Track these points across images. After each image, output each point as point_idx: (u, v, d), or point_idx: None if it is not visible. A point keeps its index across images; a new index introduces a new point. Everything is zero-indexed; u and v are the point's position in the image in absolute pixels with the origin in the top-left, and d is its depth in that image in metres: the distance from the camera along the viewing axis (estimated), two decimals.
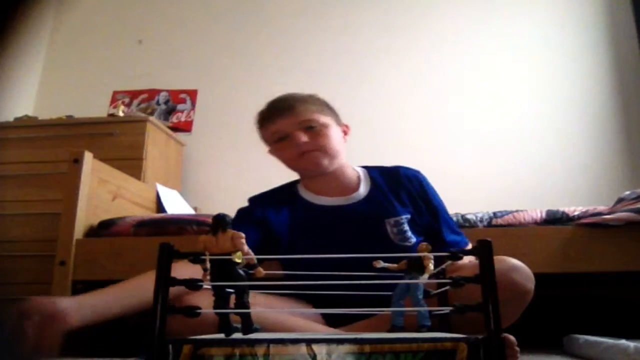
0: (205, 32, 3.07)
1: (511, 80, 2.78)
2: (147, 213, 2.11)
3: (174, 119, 2.93)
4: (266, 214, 1.21)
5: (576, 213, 1.54)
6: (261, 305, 0.96)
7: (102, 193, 1.81)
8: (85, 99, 2.94)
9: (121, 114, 2.58)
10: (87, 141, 2.23)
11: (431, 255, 0.66)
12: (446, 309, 0.64)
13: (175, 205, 2.35)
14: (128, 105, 2.93)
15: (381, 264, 0.68)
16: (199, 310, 0.56)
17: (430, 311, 0.64)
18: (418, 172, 1.28)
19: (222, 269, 0.58)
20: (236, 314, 0.58)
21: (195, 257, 0.58)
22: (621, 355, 1.08)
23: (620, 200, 1.58)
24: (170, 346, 0.52)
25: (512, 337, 0.94)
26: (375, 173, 1.27)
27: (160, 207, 2.26)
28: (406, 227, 1.16)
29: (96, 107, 2.85)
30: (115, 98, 2.98)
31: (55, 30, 3.18)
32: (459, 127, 2.73)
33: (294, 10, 3.04)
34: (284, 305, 1.02)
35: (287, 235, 1.19)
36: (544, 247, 1.46)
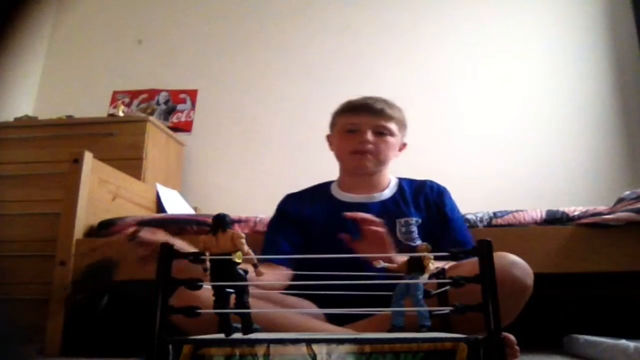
0: (205, 32, 3.07)
1: (511, 80, 2.78)
2: (147, 213, 2.11)
3: (174, 119, 2.93)
4: (302, 210, 1.30)
5: (576, 213, 1.54)
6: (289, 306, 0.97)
7: (102, 193, 1.81)
8: (85, 99, 2.94)
9: (121, 114, 2.58)
10: (87, 141, 2.23)
11: (431, 255, 0.66)
12: (446, 309, 0.64)
13: (175, 205, 2.35)
14: (128, 105, 2.93)
15: (381, 264, 0.68)
16: (199, 310, 0.56)
17: (430, 311, 0.64)
18: (444, 187, 1.35)
19: (222, 269, 0.58)
20: (236, 314, 0.58)
21: (195, 257, 0.58)
22: (621, 355, 1.08)
23: (620, 200, 1.58)
24: (170, 346, 0.52)
25: (512, 337, 0.94)
26: (405, 182, 1.36)
27: (160, 207, 2.26)
28: (414, 228, 1.22)
29: (96, 107, 2.86)
30: (115, 98, 2.98)
31: (55, 30, 3.18)
32: (459, 127, 2.73)
33: (294, 10, 3.04)
34: (298, 305, 1.03)
35: (319, 228, 1.25)
36: (544, 247, 1.47)
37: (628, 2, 2.72)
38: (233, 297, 0.59)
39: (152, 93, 2.99)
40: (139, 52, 3.08)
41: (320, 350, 0.50)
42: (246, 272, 0.59)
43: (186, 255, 0.58)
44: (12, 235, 2.03)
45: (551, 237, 1.49)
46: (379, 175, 1.33)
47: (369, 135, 1.26)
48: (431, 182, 1.35)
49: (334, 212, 1.23)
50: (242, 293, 0.58)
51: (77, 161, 1.69)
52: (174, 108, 2.96)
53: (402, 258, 0.69)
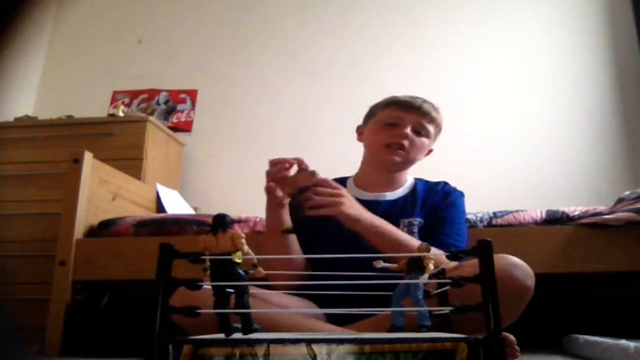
0: (205, 32, 3.07)
1: (511, 80, 2.78)
2: (147, 213, 2.11)
3: (174, 119, 2.93)
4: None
5: (576, 213, 1.54)
6: (277, 305, 0.97)
7: (102, 193, 1.81)
8: (85, 99, 2.94)
9: (121, 114, 2.58)
10: (87, 141, 2.23)
11: (431, 255, 0.66)
12: (446, 309, 0.64)
13: (175, 205, 2.35)
14: (128, 105, 2.93)
15: (381, 264, 0.68)
16: (199, 310, 0.56)
17: (430, 311, 0.64)
18: (454, 189, 1.34)
19: (222, 269, 0.58)
20: (236, 314, 0.58)
21: (195, 257, 0.58)
22: (621, 355, 1.08)
23: (620, 200, 1.58)
24: (170, 346, 0.52)
25: (512, 337, 0.94)
26: (420, 183, 1.37)
27: (160, 207, 2.26)
28: (416, 229, 1.23)
29: (96, 107, 2.86)
30: (115, 98, 2.99)
31: (55, 30, 3.18)
32: (459, 127, 2.72)
33: (294, 10, 3.04)
34: (295, 304, 1.03)
35: (330, 225, 1.23)
36: (544, 247, 1.46)
37: (628, 2, 2.73)
38: (233, 297, 0.59)
39: (152, 93, 2.99)
40: (139, 52, 3.08)
41: (320, 350, 0.50)
42: (246, 272, 0.59)
43: (186, 255, 0.58)
44: (12, 235, 2.03)
45: (551, 237, 1.48)
46: (399, 174, 1.34)
47: (408, 131, 1.26)
48: (445, 184, 1.35)
49: None
50: (242, 293, 0.58)
51: (77, 161, 1.69)
52: (174, 108, 2.96)
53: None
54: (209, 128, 2.90)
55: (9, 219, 2.09)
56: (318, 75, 2.89)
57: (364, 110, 1.40)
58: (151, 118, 2.49)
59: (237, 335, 0.56)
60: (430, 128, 1.30)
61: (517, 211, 1.59)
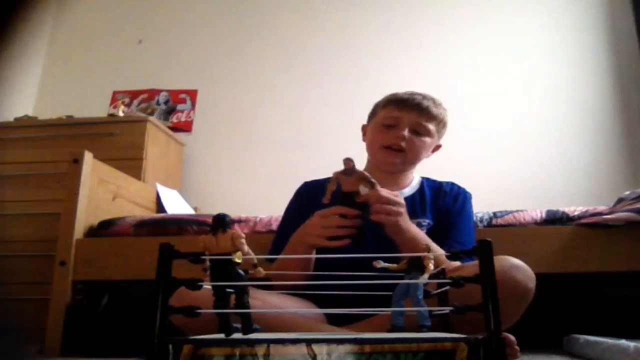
0: (205, 32, 3.07)
1: (511, 80, 2.78)
2: (147, 213, 2.11)
3: (174, 119, 2.93)
4: (317, 200, 1.22)
5: (576, 213, 1.54)
6: (272, 305, 0.97)
7: (102, 193, 1.81)
8: (85, 99, 2.94)
9: (121, 114, 2.58)
10: (87, 141, 2.23)
11: (431, 255, 0.66)
12: (446, 309, 0.64)
13: (175, 205, 2.35)
14: (128, 105, 2.93)
15: (381, 264, 0.68)
16: (199, 311, 0.56)
17: (430, 311, 0.64)
18: (463, 190, 1.33)
19: (222, 269, 0.58)
20: (236, 314, 0.58)
21: (195, 257, 0.58)
22: (621, 355, 1.08)
23: (620, 200, 1.58)
24: (170, 346, 0.52)
25: (512, 337, 0.94)
26: (427, 183, 1.35)
27: (160, 207, 2.26)
28: (424, 230, 1.20)
29: (96, 107, 2.86)
30: (115, 98, 2.99)
31: (55, 30, 3.18)
32: (459, 127, 2.71)
33: (294, 10, 3.04)
34: (293, 304, 1.03)
35: None
36: (544, 247, 1.46)
37: (628, 2, 2.73)
38: (233, 297, 0.59)
39: (152, 93, 2.99)
40: (139, 52, 3.08)
41: (320, 350, 0.50)
42: (246, 272, 0.59)
43: (186, 255, 0.58)
44: (12, 235, 2.03)
45: (551, 237, 1.48)
46: (404, 174, 1.32)
47: (406, 132, 1.23)
48: (452, 184, 1.33)
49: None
50: (242, 293, 0.58)
51: (77, 161, 1.69)
52: (174, 108, 2.96)
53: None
54: (209, 128, 2.90)
55: (9, 219, 2.09)
56: (318, 75, 2.89)
57: (364, 110, 1.40)
58: (151, 118, 2.49)
59: (237, 335, 0.57)
60: (431, 126, 1.26)
61: (517, 211, 1.59)
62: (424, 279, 0.65)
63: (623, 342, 1.10)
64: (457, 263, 1.01)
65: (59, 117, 2.49)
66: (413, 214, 1.23)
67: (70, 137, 2.31)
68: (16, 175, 2.19)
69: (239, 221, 1.68)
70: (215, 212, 0.63)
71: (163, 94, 2.99)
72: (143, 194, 2.16)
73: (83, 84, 3.04)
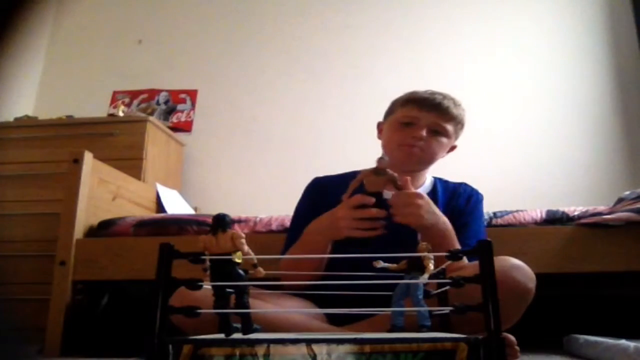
0: (205, 32, 3.07)
1: (511, 80, 2.78)
2: (147, 213, 2.11)
3: (174, 119, 2.93)
4: (329, 198, 1.20)
5: (576, 213, 1.54)
6: (272, 305, 0.97)
7: (102, 193, 1.81)
8: (85, 99, 2.94)
9: (121, 114, 2.58)
10: (87, 141, 2.23)
11: (431, 255, 0.66)
12: (446, 309, 0.64)
13: (175, 205, 2.35)
14: (128, 105, 2.93)
15: (381, 264, 0.68)
16: (199, 311, 0.56)
17: (430, 311, 0.64)
18: (476, 192, 1.32)
19: (222, 269, 0.58)
20: (236, 314, 0.58)
21: (195, 257, 0.58)
22: (621, 355, 1.08)
23: (620, 200, 1.58)
24: (170, 346, 0.52)
25: (512, 337, 0.94)
26: (440, 183, 1.34)
27: (160, 207, 2.26)
28: None
29: (96, 107, 2.86)
30: (115, 98, 2.99)
31: (55, 30, 3.18)
32: None
33: (294, 10, 3.04)
34: (293, 304, 1.03)
35: None
36: (544, 247, 1.46)
37: (628, 2, 2.73)
38: (233, 297, 0.59)
39: (152, 93, 2.99)
40: (139, 52, 3.08)
41: (320, 350, 0.50)
42: (246, 272, 0.59)
43: (186, 255, 0.58)
44: (12, 235, 2.03)
45: (551, 237, 1.48)
46: (419, 174, 1.30)
47: (424, 132, 1.22)
48: (465, 186, 1.33)
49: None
50: (242, 293, 0.58)
51: (77, 161, 1.69)
52: (174, 108, 2.96)
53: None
54: (209, 128, 2.90)
55: (9, 219, 2.09)
56: (318, 75, 2.89)
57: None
58: (151, 118, 2.49)
59: (237, 335, 0.57)
60: (449, 127, 1.26)
61: (517, 211, 1.59)
62: (423, 279, 0.65)
63: (623, 342, 1.10)
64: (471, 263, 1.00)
65: (59, 117, 2.50)
66: None
67: (70, 137, 2.31)
68: (16, 175, 2.19)
69: (239, 221, 1.68)
70: (215, 212, 0.63)
71: (163, 94, 2.99)
72: (143, 194, 2.16)
73: (83, 84, 3.04)
